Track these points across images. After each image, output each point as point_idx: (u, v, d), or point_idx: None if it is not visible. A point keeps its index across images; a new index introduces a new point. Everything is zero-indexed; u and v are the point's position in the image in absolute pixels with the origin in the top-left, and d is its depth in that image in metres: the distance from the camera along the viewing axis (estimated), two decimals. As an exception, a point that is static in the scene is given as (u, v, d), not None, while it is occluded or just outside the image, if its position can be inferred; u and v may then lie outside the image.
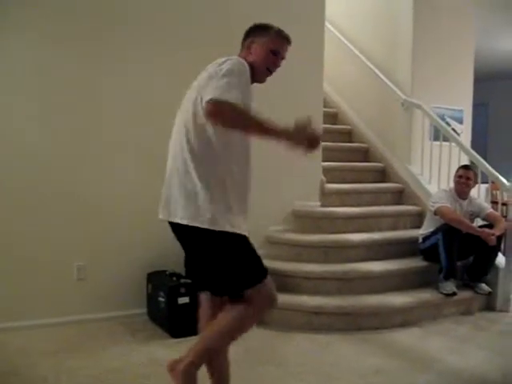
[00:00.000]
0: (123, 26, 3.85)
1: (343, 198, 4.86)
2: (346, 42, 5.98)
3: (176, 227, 2.22)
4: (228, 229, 2.11)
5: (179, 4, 4.03)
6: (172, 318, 3.52)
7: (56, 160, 3.69)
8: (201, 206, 2.09)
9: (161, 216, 2.26)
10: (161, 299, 3.61)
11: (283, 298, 3.74)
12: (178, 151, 2.17)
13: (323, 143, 4.74)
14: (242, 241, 2.20)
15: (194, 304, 3.54)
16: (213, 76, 2.02)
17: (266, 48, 2.25)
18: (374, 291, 3.89)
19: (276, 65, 2.32)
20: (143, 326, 3.70)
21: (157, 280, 3.76)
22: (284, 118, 4.34)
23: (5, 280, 3.59)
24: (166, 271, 3.78)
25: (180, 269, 3.80)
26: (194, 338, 3.46)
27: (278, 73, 4.32)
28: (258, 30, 2.30)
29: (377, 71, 5.54)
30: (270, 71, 2.31)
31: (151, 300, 3.80)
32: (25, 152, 3.61)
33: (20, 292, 3.62)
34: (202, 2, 4.12)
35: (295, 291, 3.86)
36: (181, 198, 2.13)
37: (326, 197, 4.75)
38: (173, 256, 3.85)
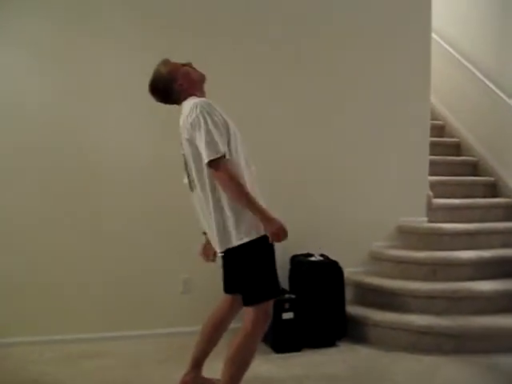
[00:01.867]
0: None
1: (451, 213, 4.66)
2: (451, 50, 5.77)
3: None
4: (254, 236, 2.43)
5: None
6: (276, 333, 3.52)
7: (161, 173, 3.84)
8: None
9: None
10: (265, 314, 3.62)
11: (389, 317, 3.67)
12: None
13: (430, 157, 4.63)
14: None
15: (299, 319, 3.56)
16: (195, 128, 2.38)
17: (182, 70, 2.62)
18: (484, 312, 3.68)
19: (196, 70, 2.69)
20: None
21: (261, 294, 3.77)
22: (390, 131, 4.34)
23: (115, 290, 3.77)
24: (269, 286, 3.79)
25: (284, 284, 3.83)
26: (297, 354, 3.49)
27: (384, 86, 4.31)
28: (167, 74, 2.59)
29: (486, 81, 5.30)
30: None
31: (255, 314, 3.82)
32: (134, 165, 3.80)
33: (129, 303, 3.80)
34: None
35: (401, 310, 3.75)
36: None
37: (432, 212, 4.58)
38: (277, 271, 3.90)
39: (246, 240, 2.41)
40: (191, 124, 2.39)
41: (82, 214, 3.76)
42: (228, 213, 2.40)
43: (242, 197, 2.35)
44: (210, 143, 2.32)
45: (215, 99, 2.52)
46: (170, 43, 3.71)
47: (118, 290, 3.80)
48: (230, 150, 2.40)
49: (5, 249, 3.64)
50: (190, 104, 2.46)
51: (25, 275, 3.65)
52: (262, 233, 2.43)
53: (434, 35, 5.21)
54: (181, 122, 2.53)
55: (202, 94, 2.62)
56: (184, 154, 2.56)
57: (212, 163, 2.33)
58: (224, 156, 2.33)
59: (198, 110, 2.37)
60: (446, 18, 5.85)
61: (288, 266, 3.88)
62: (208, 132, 2.33)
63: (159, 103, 2.67)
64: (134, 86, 3.58)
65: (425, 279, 3.94)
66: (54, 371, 3.18)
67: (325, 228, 4.17)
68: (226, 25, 4.00)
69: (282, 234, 2.40)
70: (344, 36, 4.28)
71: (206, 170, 2.40)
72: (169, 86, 2.57)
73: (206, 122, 2.35)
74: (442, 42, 5.88)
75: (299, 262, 3.79)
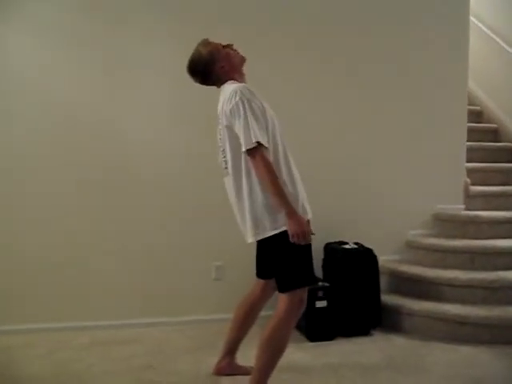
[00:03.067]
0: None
1: (489, 200, 4.55)
2: (490, 33, 5.63)
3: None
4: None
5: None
6: (309, 322, 3.50)
7: (191, 161, 3.85)
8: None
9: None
10: (298, 302, 3.60)
11: (426, 306, 3.62)
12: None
13: (468, 143, 4.52)
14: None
15: (332, 308, 3.53)
16: (234, 115, 2.35)
17: (224, 50, 2.57)
18: (523, 302, 3.60)
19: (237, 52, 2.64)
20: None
21: (294, 282, 3.75)
22: (427, 116, 4.26)
23: (147, 277, 3.80)
24: (303, 274, 3.76)
25: (318, 272, 3.80)
26: (331, 342, 3.47)
27: (420, 71, 4.23)
28: (208, 55, 2.54)
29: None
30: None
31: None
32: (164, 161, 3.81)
33: (161, 290, 3.84)
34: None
35: (438, 299, 3.69)
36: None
37: (470, 200, 4.49)
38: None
39: (281, 230, 2.37)
40: (230, 111, 2.36)
41: (113, 202, 3.78)
42: (264, 201, 2.37)
43: (273, 187, 2.30)
44: (249, 131, 2.29)
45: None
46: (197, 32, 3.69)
47: (149, 277, 3.82)
48: (267, 136, 2.36)
49: (40, 234, 3.69)
50: (229, 89, 2.42)
51: (53, 263, 3.70)
52: None
53: (472, 19, 5.08)
54: (219, 107, 2.51)
55: (241, 78, 2.58)
56: (221, 139, 2.53)
57: (250, 151, 2.30)
58: (262, 144, 2.30)
59: (238, 97, 2.34)
60: (485, 1, 5.70)
61: (322, 254, 3.85)
62: (246, 120, 2.31)
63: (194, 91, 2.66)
64: (166, 79, 3.61)
65: (462, 268, 3.87)
66: (82, 357, 3.22)
67: (360, 216, 4.13)
68: (252, 15, 3.96)
69: (301, 236, 2.34)
70: (377, 23, 4.20)
71: (243, 157, 2.38)
72: (209, 68, 2.53)
73: (244, 110, 2.31)
74: (482, 26, 5.73)
75: (333, 250, 3.75)
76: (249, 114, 2.31)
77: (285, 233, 2.36)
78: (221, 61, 2.52)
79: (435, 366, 3.08)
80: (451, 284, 3.71)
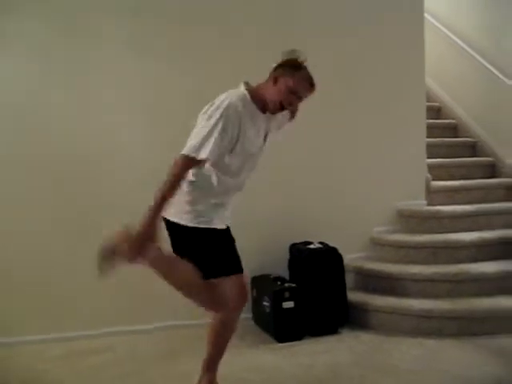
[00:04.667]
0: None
1: (451, 195, 4.63)
2: (446, 31, 5.72)
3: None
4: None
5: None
6: (277, 323, 3.51)
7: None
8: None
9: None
10: (265, 304, 3.62)
11: (391, 301, 3.66)
12: None
13: (428, 139, 4.59)
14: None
15: (300, 308, 3.55)
16: (206, 114, 2.31)
17: (289, 87, 2.38)
18: (487, 294, 3.65)
19: (291, 105, 2.46)
20: (248, 331, 3.71)
21: (261, 284, 3.77)
22: (386, 114, 4.31)
23: (120, 286, 3.73)
24: (270, 275, 3.77)
25: (284, 273, 3.81)
26: (300, 342, 3.48)
27: (378, 66, 4.29)
28: (289, 67, 2.42)
29: (482, 60, 5.26)
30: (282, 107, 2.45)
31: (256, 304, 3.82)
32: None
33: (129, 297, 3.76)
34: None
35: (403, 294, 3.73)
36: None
37: (432, 195, 4.56)
38: (277, 260, 3.89)
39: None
40: (207, 109, 2.33)
41: (84, 209, 3.71)
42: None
43: (164, 188, 2.23)
44: (202, 143, 2.24)
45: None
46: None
47: (121, 286, 3.75)
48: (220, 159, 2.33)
49: (7, 247, 3.59)
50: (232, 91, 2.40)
51: (24, 274, 3.61)
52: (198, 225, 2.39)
53: (427, 15, 5.17)
54: None
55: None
56: None
57: (183, 156, 2.25)
58: (197, 160, 2.25)
59: (222, 109, 2.27)
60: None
61: (287, 255, 3.87)
62: (210, 133, 2.25)
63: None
64: (143, 91, 3.59)
65: (425, 263, 3.92)
66: (55, 369, 3.16)
67: (324, 215, 4.15)
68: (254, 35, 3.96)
69: (130, 247, 2.31)
70: (332, 22, 4.24)
71: None
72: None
73: (217, 122, 2.25)
74: (436, 23, 5.83)
75: (298, 250, 3.77)
76: (216, 130, 2.25)
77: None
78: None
79: (402, 360, 3.12)
80: (415, 279, 3.76)
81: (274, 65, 2.47)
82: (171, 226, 2.46)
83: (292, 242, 3.88)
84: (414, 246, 4.04)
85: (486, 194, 4.72)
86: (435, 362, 3.07)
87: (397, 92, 4.41)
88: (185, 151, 2.25)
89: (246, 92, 2.41)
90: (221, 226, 2.47)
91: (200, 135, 2.26)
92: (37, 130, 3.65)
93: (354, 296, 3.83)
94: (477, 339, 3.35)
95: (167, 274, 2.51)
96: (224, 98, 2.32)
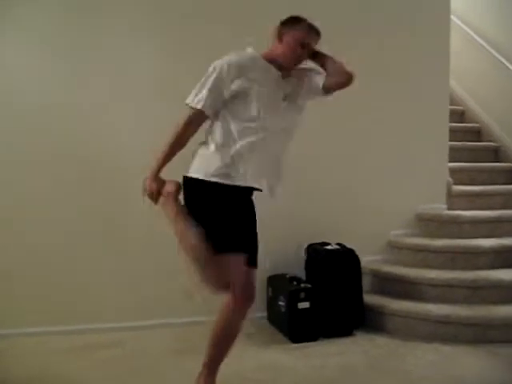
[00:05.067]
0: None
1: (472, 200, 4.57)
2: (472, 33, 5.66)
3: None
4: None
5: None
6: (292, 323, 3.51)
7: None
8: None
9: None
10: (281, 303, 3.61)
11: (407, 306, 3.63)
12: None
13: (450, 143, 4.55)
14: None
15: (315, 309, 3.54)
16: None
17: (296, 39, 2.43)
18: (505, 301, 3.61)
19: (301, 57, 2.50)
20: (263, 330, 3.73)
21: (277, 284, 3.76)
22: (408, 117, 4.27)
23: (133, 280, 3.77)
24: (286, 275, 3.76)
25: (301, 273, 3.80)
26: (314, 343, 3.47)
27: (402, 69, 4.25)
28: (290, 22, 2.47)
29: (508, 64, 5.18)
30: (299, 60, 2.50)
31: (271, 304, 3.82)
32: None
33: (146, 293, 3.78)
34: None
35: (420, 299, 3.70)
36: None
37: (452, 199, 4.51)
38: (293, 260, 3.88)
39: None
40: None
41: (100, 202, 3.74)
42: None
43: (167, 141, 2.42)
44: (197, 92, 2.39)
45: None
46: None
47: (135, 280, 3.78)
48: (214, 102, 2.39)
49: (20, 240, 3.63)
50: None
51: (37, 266, 3.65)
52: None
53: (454, 19, 5.11)
54: None
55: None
56: None
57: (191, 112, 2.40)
58: (196, 110, 2.38)
59: (215, 64, 2.38)
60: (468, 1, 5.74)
61: (304, 255, 3.86)
62: (203, 83, 2.38)
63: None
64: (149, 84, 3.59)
65: (443, 268, 3.89)
66: (62, 362, 3.18)
67: (343, 216, 4.13)
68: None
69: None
70: (359, 23, 4.21)
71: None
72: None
73: (208, 76, 2.38)
74: (462, 25, 5.77)
75: (315, 251, 3.75)
76: (209, 80, 2.36)
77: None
78: None
79: (416, 366, 3.09)
80: (433, 284, 3.72)
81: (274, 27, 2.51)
82: (186, 185, 2.46)
83: (309, 243, 3.87)
84: (433, 250, 4.00)
85: (507, 200, 4.65)
86: (450, 369, 3.04)
87: (421, 94, 4.37)
88: (188, 101, 2.40)
89: (253, 51, 2.50)
90: (244, 183, 2.38)
91: (196, 88, 2.40)
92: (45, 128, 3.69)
93: (370, 299, 3.81)
94: (493, 347, 3.31)
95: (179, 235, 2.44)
96: (219, 61, 2.40)
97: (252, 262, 2.45)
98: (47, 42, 3.68)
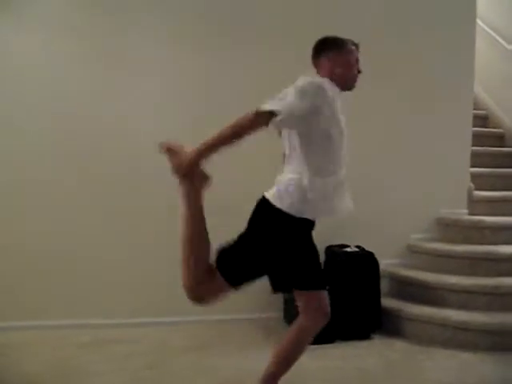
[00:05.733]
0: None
1: (493, 206, 4.53)
2: (497, 37, 5.60)
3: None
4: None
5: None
6: (309, 324, 3.48)
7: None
8: None
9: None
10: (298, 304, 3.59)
11: (426, 311, 3.60)
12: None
13: (473, 148, 4.51)
14: None
15: (332, 311, 3.48)
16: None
17: (356, 57, 2.43)
18: (526, 309, 3.57)
19: (359, 70, 2.47)
20: (279, 330, 3.71)
21: (294, 284, 3.74)
22: (431, 120, 4.24)
23: (151, 277, 3.78)
24: (303, 276, 3.74)
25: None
26: (330, 345, 3.46)
27: (425, 74, 4.22)
28: (333, 45, 2.41)
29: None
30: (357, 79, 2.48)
31: (288, 304, 3.80)
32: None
33: (163, 290, 3.78)
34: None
35: (439, 304, 3.66)
36: None
37: (474, 205, 4.47)
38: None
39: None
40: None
41: (113, 199, 3.78)
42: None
43: (227, 130, 2.11)
44: (281, 99, 2.13)
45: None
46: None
47: (150, 277, 3.80)
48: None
49: (36, 234, 3.68)
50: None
51: (55, 260, 3.69)
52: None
53: (478, 21, 5.06)
54: None
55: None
56: None
57: (261, 112, 2.09)
58: (274, 115, 2.09)
59: (308, 82, 2.16)
60: (491, 3, 5.67)
61: (323, 257, 3.84)
62: (289, 94, 2.13)
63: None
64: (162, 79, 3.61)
65: (464, 273, 3.84)
66: (83, 355, 3.21)
67: (362, 219, 4.08)
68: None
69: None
70: (382, 24, 4.19)
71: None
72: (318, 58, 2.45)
73: (296, 89, 2.14)
74: (488, 29, 5.71)
75: (334, 253, 3.74)
76: (297, 93, 2.12)
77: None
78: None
79: (433, 371, 3.06)
80: (453, 289, 3.68)
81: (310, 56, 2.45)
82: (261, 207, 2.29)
83: (328, 244, 3.85)
84: (453, 255, 3.95)
85: (529, 207, 4.60)
86: (467, 376, 3.01)
87: (444, 97, 4.34)
88: (261, 107, 2.10)
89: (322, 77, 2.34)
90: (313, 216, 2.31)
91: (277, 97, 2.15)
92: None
93: (388, 302, 3.78)
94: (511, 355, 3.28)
95: (185, 234, 2.33)
96: (313, 79, 2.23)
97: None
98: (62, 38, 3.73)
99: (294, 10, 3.99)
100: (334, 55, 2.38)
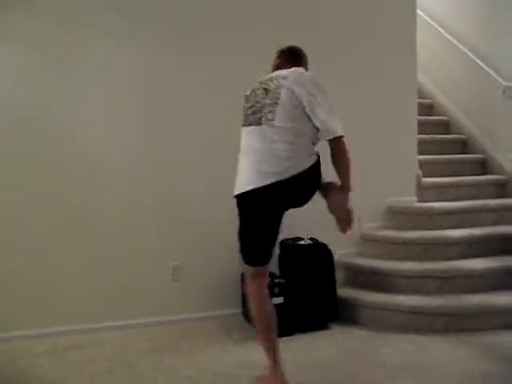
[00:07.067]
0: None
1: (441, 192, 4.65)
2: (439, 28, 5.73)
3: None
4: None
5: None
6: (267, 318, 3.50)
7: (148, 163, 3.79)
8: None
9: None
10: (255, 299, 3.60)
11: (380, 298, 3.67)
12: None
13: (419, 135, 4.60)
14: None
15: (289, 304, 3.54)
16: (310, 93, 2.60)
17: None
18: (476, 290, 3.67)
19: None
20: (238, 326, 3.72)
21: (251, 280, 3.75)
22: (377, 110, 4.30)
23: (106, 281, 3.72)
24: (259, 271, 3.75)
25: (274, 269, 3.80)
26: (289, 338, 3.48)
27: (370, 64, 4.28)
28: (303, 57, 2.97)
29: (474, 58, 5.27)
30: None
31: (246, 300, 3.80)
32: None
33: (117, 292, 3.75)
34: None
35: (392, 290, 3.74)
36: None
37: (422, 191, 4.57)
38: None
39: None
40: (298, 78, 2.61)
41: (71, 203, 3.67)
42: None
43: (349, 168, 2.88)
44: (335, 119, 2.66)
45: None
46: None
47: (107, 280, 3.74)
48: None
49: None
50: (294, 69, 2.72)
51: (10, 270, 3.58)
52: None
53: (419, 11, 5.17)
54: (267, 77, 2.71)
55: None
56: (257, 103, 2.64)
57: (338, 138, 2.68)
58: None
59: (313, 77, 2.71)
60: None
61: (277, 251, 3.85)
62: (331, 109, 2.64)
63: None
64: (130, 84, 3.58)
65: (415, 259, 3.94)
66: (41, 364, 3.14)
67: (315, 211, 4.11)
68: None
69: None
70: (323, 16, 4.23)
71: (296, 125, 2.62)
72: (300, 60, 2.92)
73: (325, 95, 2.65)
74: (429, 19, 5.84)
75: (288, 246, 3.76)
76: (329, 100, 2.67)
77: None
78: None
79: (391, 356, 3.13)
80: (405, 275, 3.77)
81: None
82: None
83: (283, 238, 3.86)
84: (404, 242, 4.05)
85: (476, 191, 4.75)
86: (424, 358, 3.08)
87: (388, 89, 4.41)
88: (340, 133, 2.66)
89: None
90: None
91: (330, 115, 2.65)
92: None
93: (343, 292, 3.84)
94: (465, 335, 3.37)
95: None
96: (302, 70, 2.75)
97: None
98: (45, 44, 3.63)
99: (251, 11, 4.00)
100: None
